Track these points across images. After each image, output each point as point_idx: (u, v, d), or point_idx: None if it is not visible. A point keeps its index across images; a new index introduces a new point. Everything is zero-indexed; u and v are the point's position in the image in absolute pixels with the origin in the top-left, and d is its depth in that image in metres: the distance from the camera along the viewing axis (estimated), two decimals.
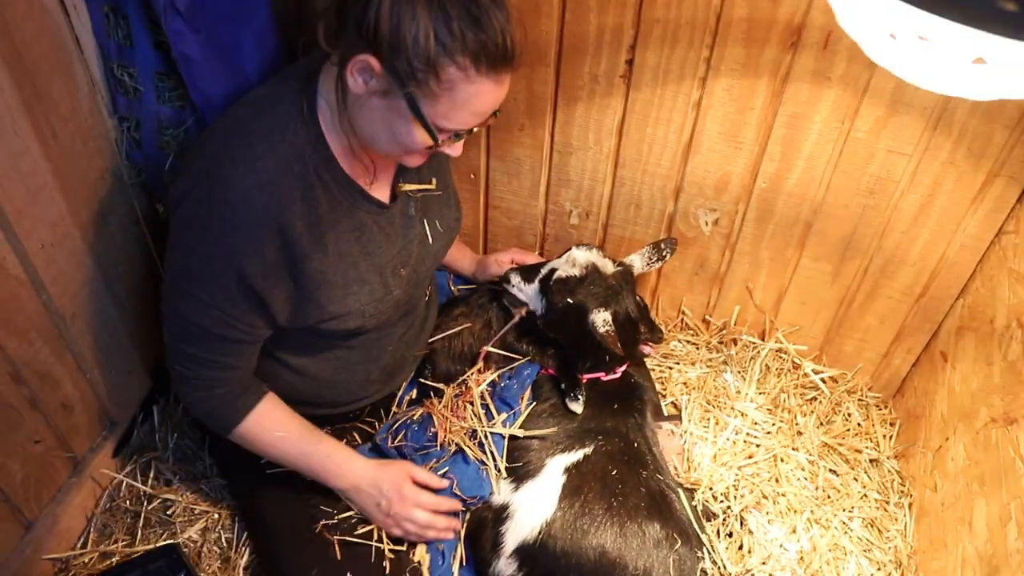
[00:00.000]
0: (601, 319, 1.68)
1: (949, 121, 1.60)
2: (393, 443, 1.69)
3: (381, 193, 1.47)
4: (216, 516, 1.75)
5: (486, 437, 1.69)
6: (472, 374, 1.81)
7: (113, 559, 1.64)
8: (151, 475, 1.77)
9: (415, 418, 1.72)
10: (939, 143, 1.63)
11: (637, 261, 1.86)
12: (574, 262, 1.75)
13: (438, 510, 1.61)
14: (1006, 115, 1.55)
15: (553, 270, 1.77)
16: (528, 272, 1.83)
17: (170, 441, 1.82)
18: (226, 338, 1.39)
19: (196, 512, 1.75)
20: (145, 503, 1.73)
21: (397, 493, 1.57)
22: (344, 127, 1.32)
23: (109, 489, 1.74)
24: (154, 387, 1.82)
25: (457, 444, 1.68)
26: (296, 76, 1.35)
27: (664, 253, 1.88)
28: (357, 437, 1.75)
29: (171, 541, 1.66)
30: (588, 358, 1.76)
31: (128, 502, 1.73)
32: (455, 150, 1.37)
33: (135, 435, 1.78)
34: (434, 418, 1.70)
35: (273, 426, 1.53)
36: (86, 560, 1.64)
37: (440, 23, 1.16)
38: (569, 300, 1.70)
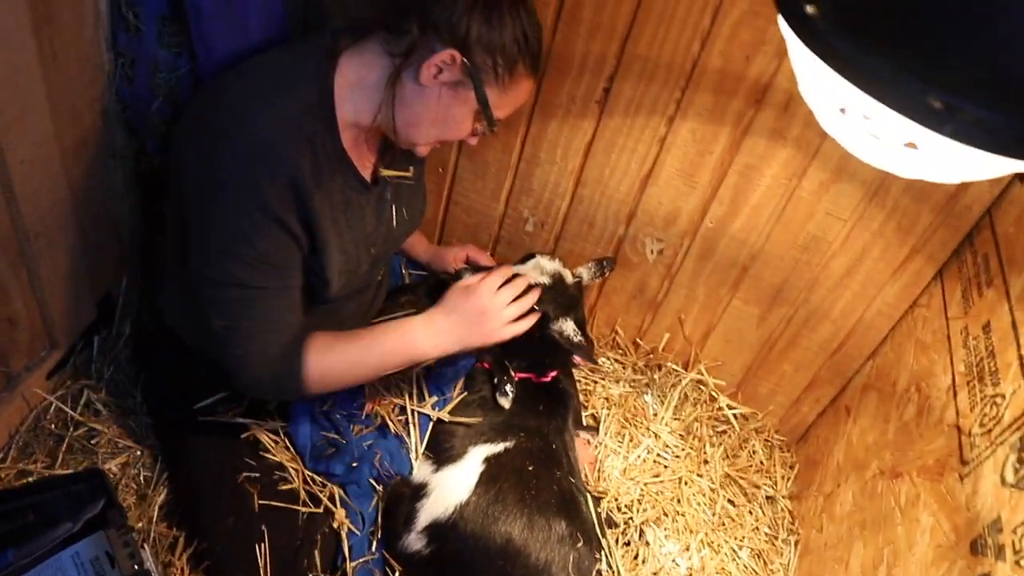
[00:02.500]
0: (571, 328, 1.76)
1: (884, 196, 1.74)
2: (321, 407, 1.74)
3: (365, 175, 1.56)
4: (138, 453, 1.78)
5: (412, 415, 1.77)
6: None
7: (30, 478, 1.66)
8: (81, 403, 1.79)
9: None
10: (873, 214, 1.78)
11: (585, 274, 1.96)
12: (542, 270, 1.83)
13: (517, 294, 1.66)
14: (935, 199, 1.70)
15: (516, 276, 1.82)
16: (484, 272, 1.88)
17: (105, 373, 1.84)
18: (277, 290, 1.43)
19: (119, 446, 1.78)
20: (71, 429, 1.75)
21: (478, 313, 1.61)
22: (371, 108, 1.44)
23: (37, 409, 1.75)
24: (99, 318, 1.84)
25: (383, 417, 1.75)
26: (315, 52, 1.43)
27: (605, 270, 2.00)
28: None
29: (95, 465, 1.68)
30: (527, 359, 1.85)
31: (54, 425, 1.75)
32: (474, 140, 1.55)
33: (72, 361, 1.80)
34: (365, 388, 1.76)
35: (330, 361, 1.52)
36: (2, 475, 1.66)
37: (519, 27, 1.39)
38: (534, 308, 1.73)
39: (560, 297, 1.82)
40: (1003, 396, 1.33)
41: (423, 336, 1.60)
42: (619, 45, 1.74)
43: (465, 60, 1.37)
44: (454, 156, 2.08)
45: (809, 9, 0.85)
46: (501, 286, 1.65)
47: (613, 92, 1.81)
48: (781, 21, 0.91)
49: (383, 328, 1.61)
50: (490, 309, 1.62)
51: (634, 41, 1.72)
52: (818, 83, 0.91)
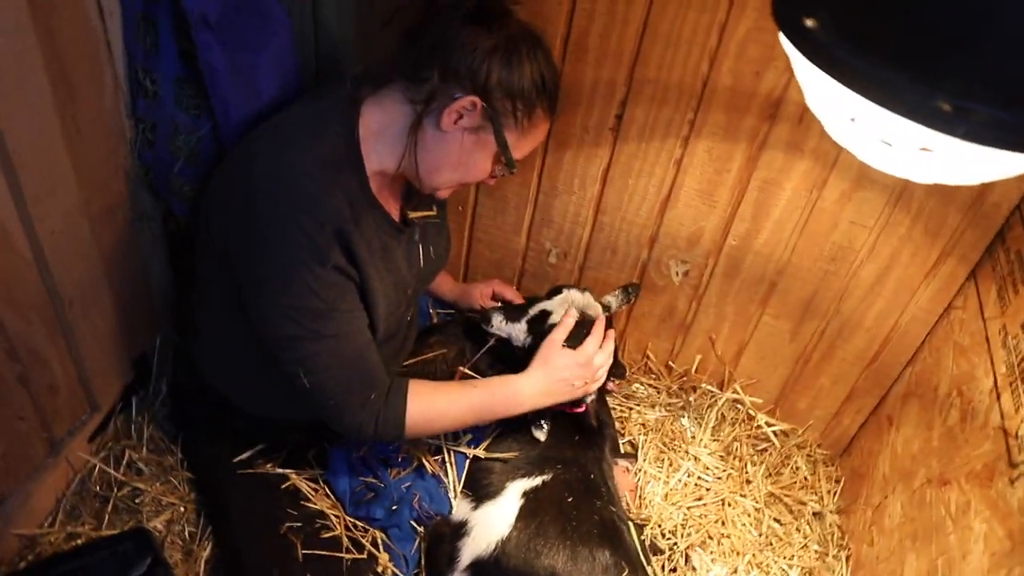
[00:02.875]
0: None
1: (908, 200, 1.73)
2: (358, 452, 1.75)
3: (395, 217, 1.59)
4: (182, 509, 1.80)
5: (449, 454, 1.77)
6: None
7: (78, 540, 1.68)
8: (124, 463, 1.81)
9: None
10: (898, 219, 1.76)
11: (613, 302, 1.96)
12: (573, 303, 1.83)
13: (603, 345, 1.75)
14: (959, 199, 1.68)
15: (546, 312, 1.82)
16: (513, 312, 1.88)
17: (145, 432, 1.87)
18: (353, 332, 1.46)
19: (163, 503, 1.79)
20: (115, 490, 1.77)
21: (578, 369, 1.70)
22: (395, 155, 1.48)
23: (82, 473, 1.77)
24: (136, 378, 1.87)
25: (419, 458, 1.75)
26: (338, 103, 1.47)
27: (631, 297, 1.99)
28: (326, 443, 1.82)
29: (140, 525, 1.70)
30: None
31: (99, 487, 1.78)
32: (493, 181, 1.59)
33: (112, 423, 1.83)
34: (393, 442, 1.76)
35: (432, 402, 1.58)
36: (52, 539, 1.68)
37: (537, 74, 1.42)
38: (567, 344, 1.72)
39: (587, 332, 1.80)
40: None
41: (528, 394, 1.67)
42: (628, 71, 1.75)
43: (485, 106, 1.40)
44: (473, 194, 2.10)
45: (808, 23, 0.86)
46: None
47: (626, 118, 1.82)
48: (782, 37, 0.91)
49: (487, 382, 1.68)
50: (593, 369, 1.72)
51: (642, 65, 1.73)
52: (825, 95, 0.91)
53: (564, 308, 1.81)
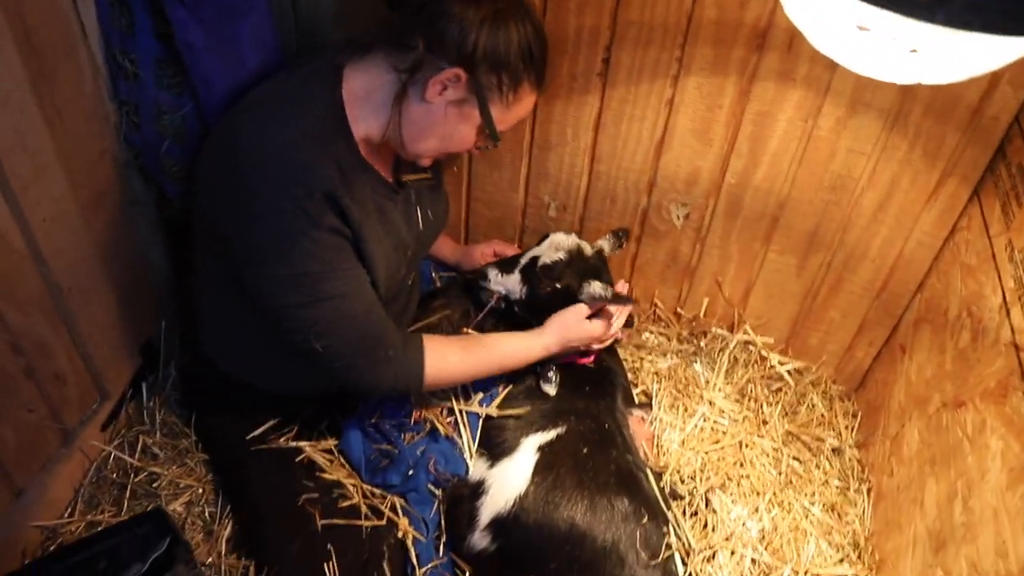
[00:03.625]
0: (598, 286, 1.75)
1: (905, 123, 1.69)
2: (371, 420, 1.75)
3: (388, 179, 1.58)
4: (200, 491, 1.81)
5: (462, 415, 1.76)
6: None
7: (100, 528, 1.69)
8: (138, 449, 1.82)
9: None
10: (896, 143, 1.73)
11: (605, 246, 1.94)
12: (557, 247, 1.84)
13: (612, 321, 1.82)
14: (958, 117, 1.64)
15: (535, 258, 1.84)
16: (506, 264, 1.90)
17: (158, 417, 1.88)
18: (356, 290, 1.46)
19: (181, 486, 1.80)
20: (132, 476, 1.78)
21: (591, 341, 1.79)
22: (379, 123, 1.46)
23: (97, 461, 1.79)
24: (144, 364, 1.88)
25: (431, 421, 1.75)
26: (320, 70, 1.45)
27: (622, 241, 1.99)
28: (339, 414, 1.82)
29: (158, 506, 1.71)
30: None
31: (115, 474, 1.79)
32: (478, 152, 1.62)
33: (123, 410, 1.84)
34: (411, 396, 1.77)
35: (447, 356, 1.62)
36: (73, 528, 1.69)
37: (525, 46, 1.41)
38: (557, 285, 1.78)
39: (582, 267, 1.81)
40: None
41: (538, 350, 1.75)
42: (610, 14, 1.72)
43: (471, 78, 1.39)
44: (467, 154, 2.08)
45: None
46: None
47: (612, 62, 1.79)
48: None
49: (500, 339, 1.74)
50: (604, 341, 1.84)
51: (625, 7, 1.70)
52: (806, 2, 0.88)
53: (552, 250, 1.83)
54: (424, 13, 1.38)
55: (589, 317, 1.77)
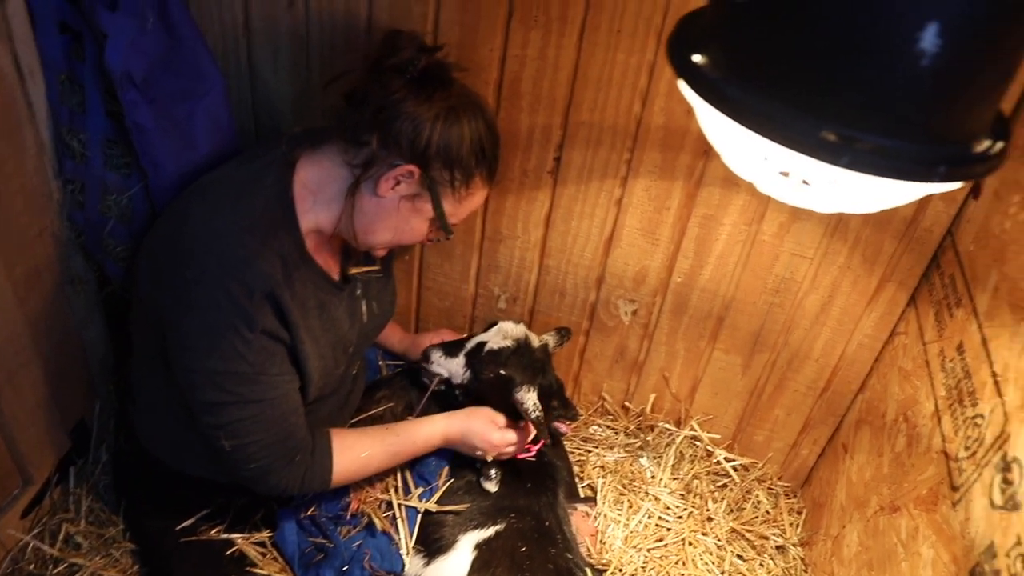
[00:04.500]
0: (531, 401, 1.73)
1: (844, 230, 1.74)
2: (306, 512, 1.70)
3: (333, 275, 1.57)
4: None
5: (400, 509, 1.72)
6: None
7: None
8: (60, 538, 1.74)
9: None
10: (836, 248, 1.77)
11: (550, 341, 1.95)
12: (505, 335, 1.83)
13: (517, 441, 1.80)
14: (894, 226, 1.69)
15: (481, 343, 1.84)
16: (451, 347, 1.89)
17: (84, 503, 1.80)
18: (280, 397, 1.44)
19: None
20: (51, 567, 1.70)
21: (488, 444, 1.74)
22: (331, 215, 1.47)
23: (13, 551, 1.70)
24: (73, 447, 1.81)
25: (369, 515, 1.71)
26: (273, 163, 1.45)
27: (563, 340, 2.00)
28: (274, 503, 1.77)
29: None
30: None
31: (32, 566, 1.70)
32: (430, 243, 1.60)
33: (48, 496, 1.76)
34: (349, 487, 1.72)
35: (356, 453, 1.60)
36: None
37: (476, 142, 1.43)
38: (501, 372, 1.77)
39: (528, 360, 1.81)
40: (982, 416, 1.31)
41: (439, 439, 1.73)
42: (562, 115, 1.76)
43: (424, 174, 1.41)
44: (419, 244, 2.08)
45: (697, 59, 0.86)
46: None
47: (564, 161, 1.83)
48: (679, 77, 0.91)
49: (405, 427, 1.71)
50: (498, 451, 1.77)
51: (576, 109, 1.74)
52: (721, 131, 0.91)
53: (500, 337, 1.84)
54: (380, 110, 1.39)
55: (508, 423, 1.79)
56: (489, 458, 1.77)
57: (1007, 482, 1.16)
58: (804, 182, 0.86)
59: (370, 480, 1.75)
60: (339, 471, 1.56)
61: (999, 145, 0.83)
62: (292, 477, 1.49)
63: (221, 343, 1.34)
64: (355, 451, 1.59)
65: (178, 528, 1.66)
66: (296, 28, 1.76)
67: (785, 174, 0.89)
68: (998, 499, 1.17)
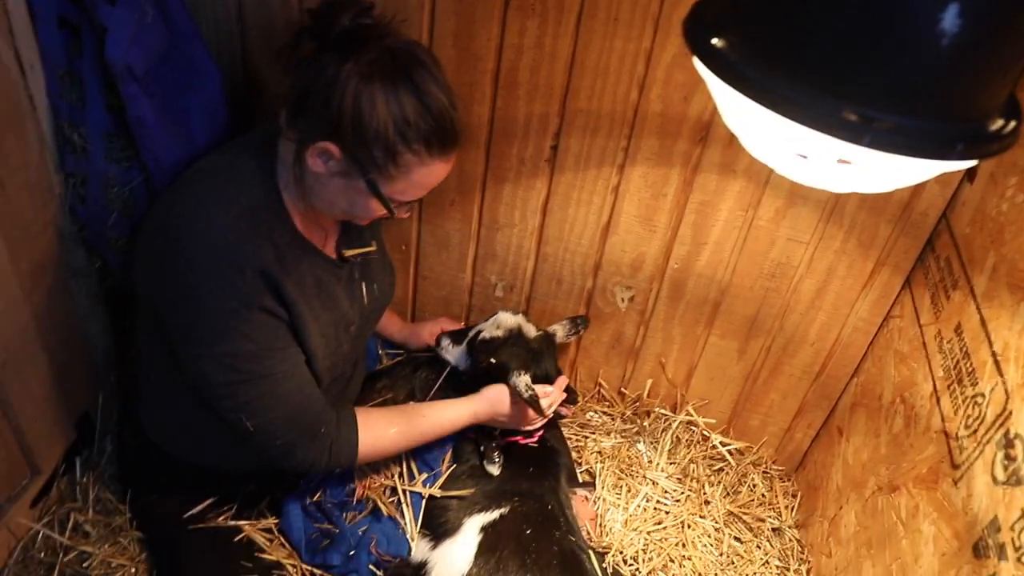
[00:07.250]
0: (523, 383, 1.77)
1: (840, 214, 1.77)
2: (312, 498, 1.72)
3: (330, 253, 1.57)
4: (133, 571, 1.74)
5: (404, 495, 1.75)
6: None
7: None
8: (69, 526, 1.76)
9: (335, 472, 1.77)
10: (832, 233, 1.80)
11: (559, 331, 1.98)
12: (498, 324, 1.87)
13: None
14: (889, 211, 1.72)
15: (480, 332, 1.88)
16: (457, 335, 1.96)
17: (91, 493, 1.82)
18: (290, 369, 1.44)
19: (113, 566, 1.73)
20: (61, 555, 1.71)
21: (519, 416, 1.81)
22: (299, 194, 1.43)
23: (24, 540, 1.72)
24: (79, 438, 1.82)
25: (374, 500, 1.73)
26: (254, 143, 1.45)
27: (579, 328, 2.03)
28: (279, 492, 1.78)
29: None
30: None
31: (43, 553, 1.72)
32: (404, 214, 1.47)
33: (55, 486, 1.78)
34: (354, 473, 1.75)
35: (383, 429, 1.62)
36: None
37: (397, 114, 1.26)
38: (492, 360, 1.80)
39: (520, 349, 1.85)
40: (983, 395, 1.33)
41: (466, 420, 1.77)
42: (559, 103, 1.77)
43: (343, 152, 1.30)
44: (415, 231, 2.10)
45: (716, 42, 0.88)
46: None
47: (561, 148, 1.84)
48: (695, 59, 0.93)
49: (424, 413, 1.72)
50: (530, 425, 1.86)
51: (573, 97, 1.76)
52: (740, 112, 0.93)
53: (493, 327, 1.90)
54: (298, 81, 1.30)
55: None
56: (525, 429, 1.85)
57: (1009, 458, 1.19)
58: (841, 160, 0.87)
59: (374, 467, 1.77)
60: (365, 447, 1.57)
61: (1012, 124, 0.85)
62: (319, 451, 1.50)
63: (223, 325, 1.34)
64: (380, 427, 1.61)
65: (185, 516, 1.67)
66: (290, 18, 1.77)
67: (804, 156, 0.90)
68: (1001, 475, 1.20)
